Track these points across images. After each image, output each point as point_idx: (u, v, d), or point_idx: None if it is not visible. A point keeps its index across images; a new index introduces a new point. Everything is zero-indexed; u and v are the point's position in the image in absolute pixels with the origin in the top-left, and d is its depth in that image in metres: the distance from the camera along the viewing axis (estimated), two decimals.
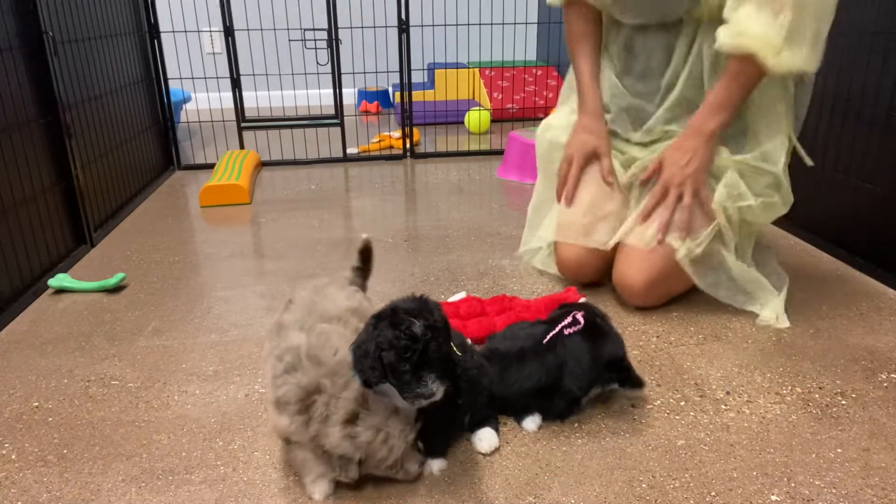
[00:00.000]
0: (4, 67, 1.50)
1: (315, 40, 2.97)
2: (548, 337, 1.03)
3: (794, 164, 1.40)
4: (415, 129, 2.95)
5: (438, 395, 0.83)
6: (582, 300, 1.38)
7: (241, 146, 2.79)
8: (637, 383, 1.06)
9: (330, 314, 0.95)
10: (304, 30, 3.07)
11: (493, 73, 3.62)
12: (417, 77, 4.18)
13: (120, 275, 1.57)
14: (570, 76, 1.60)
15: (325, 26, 2.71)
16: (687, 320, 1.38)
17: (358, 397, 0.85)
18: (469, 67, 3.76)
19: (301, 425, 0.85)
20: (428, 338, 0.81)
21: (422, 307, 0.84)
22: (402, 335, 0.81)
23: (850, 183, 1.63)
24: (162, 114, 2.65)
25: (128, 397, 1.14)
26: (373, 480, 0.92)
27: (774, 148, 1.35)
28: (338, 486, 0.92)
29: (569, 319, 1.05)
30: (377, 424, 0.85)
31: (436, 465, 0.96)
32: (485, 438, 0.99)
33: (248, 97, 2.93)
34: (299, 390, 0.85)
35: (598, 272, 1.51)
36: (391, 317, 0.83)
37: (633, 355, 1.23)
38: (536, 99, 3.60)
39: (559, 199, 1.53)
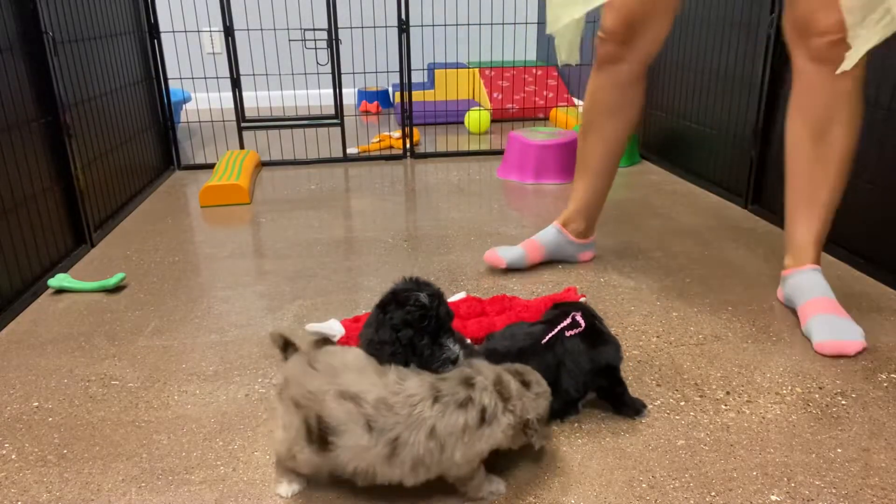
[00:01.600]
0: (4, 67, 1.51)
1: (315, 40, 2.98)
2: (547, 337, 1.03)
3: None
4: (415, 129, 2.95)
5: (462, 357, 0.85)
6: (582, 300, 1.38)
7: (241, 146, 2.79)
8: (635, 410, 1.06)
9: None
10: (304, 30, 3.08)
11: (492, 73, 3.62)
12: (417, 77, 4.19)
13: (120, 275, 1.57)
14: None
15: (325, 26, 2.71)
16: (687, 320, 1.38)
17: (496, 379, 0.84)
18: (469, 67, 3.76)
19: (514, 428, 0.84)
20: (436, 304, 0.85)
21: (417, 283, 0.88)
22: (412, 309, 0.84)
23: (850, 183, 1.63)
24: (162, 114, 2.65)
25: (128, 397, 1.14)
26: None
27: None
28: (338, 486, 0.92)
29: (569, 321, 1.05)
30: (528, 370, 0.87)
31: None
32: None
33: (248, 97, 2.93)
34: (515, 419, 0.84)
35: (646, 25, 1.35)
36: (395, 299, 0.85)
37: (633, 355, 1.24)
38: (536, 99, 3.60)
39: None
